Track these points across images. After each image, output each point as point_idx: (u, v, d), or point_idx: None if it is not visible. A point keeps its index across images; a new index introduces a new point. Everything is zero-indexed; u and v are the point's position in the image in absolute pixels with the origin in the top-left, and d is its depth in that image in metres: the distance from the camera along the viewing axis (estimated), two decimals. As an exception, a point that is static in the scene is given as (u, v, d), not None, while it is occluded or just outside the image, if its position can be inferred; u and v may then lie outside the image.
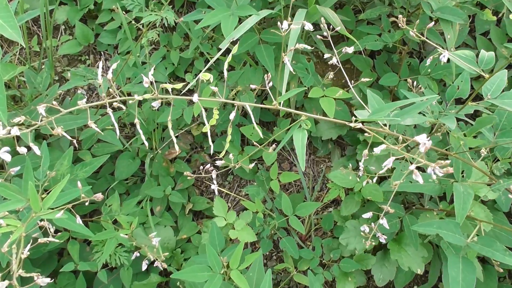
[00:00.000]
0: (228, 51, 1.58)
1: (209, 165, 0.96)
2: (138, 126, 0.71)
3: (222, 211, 1.37)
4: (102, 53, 1.92)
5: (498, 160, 1.35)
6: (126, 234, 1.22)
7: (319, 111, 1.53)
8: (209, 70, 1.73)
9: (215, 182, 0.90)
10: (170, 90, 0.74)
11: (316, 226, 1.56)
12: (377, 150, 0.62)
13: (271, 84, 0.81)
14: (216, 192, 0.93)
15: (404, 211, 1.31)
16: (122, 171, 1.58)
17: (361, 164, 0.76)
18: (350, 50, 0.99)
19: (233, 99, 1.56)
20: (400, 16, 0.88)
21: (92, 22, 1.92)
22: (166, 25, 1.65)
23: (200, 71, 1.71)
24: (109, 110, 0.66)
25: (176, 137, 1.68)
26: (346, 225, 1.39)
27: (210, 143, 0.72)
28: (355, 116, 0.82)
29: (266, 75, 0.82)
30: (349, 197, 1.42)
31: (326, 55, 0.99)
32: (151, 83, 0.71)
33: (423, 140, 0.58)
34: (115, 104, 0.75)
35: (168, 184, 1.55)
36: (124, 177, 1.58)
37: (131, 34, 1.82)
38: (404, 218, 1.29)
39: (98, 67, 0.73)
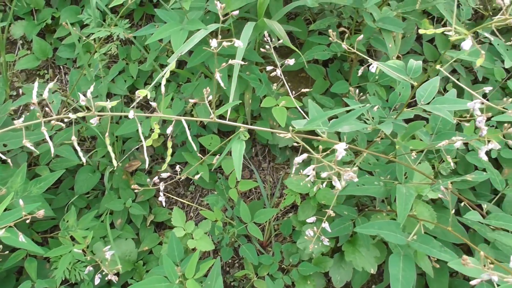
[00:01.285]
0: (186, 62, 1.60)
1: (167, 175, 0.99)
2: (108, 145, 0.73)
3: (180, 221, 1.38)
4: (61, 67, 1.92)
5: (444, 160, 1.43)
6: (82, 249, 1.22)
7: (274, 119, 1.57)
8: (168, 82, 1.75)
9: (161, 194, 0.92)
10: (108, 106, 0.76)
11: (276, 231, 1.59)
12: (298, 159, 0.65)
13: (210, 97, 0.84)
14: (164, 204, 0.96)
15: (356, 213, 1.36)
16: (81, 185, 1.58)
17: (294, 169, 0.80)
18: (291, 62, 1.03)
19: (191, 111, 1.58)
20: (336, 32, 0.92)
21: (50, 37, 1.92)
22: (124, 39, 1.66)
23: (160, 83, 1.73)
24: (44, 129, 0.67)
25: (137, 149, 1.69)
26: (303, 229, 1.43)
27: (146, 158, 0.74)
28: (292, 126, 0.86)
29: (205, 89, 0.85)
30: (305, 202, 1.46)
31: (268, 68, 1.03)
32: (89, 100, 0.73)
33: (341, 148, 0.63)
34: (72, 118, 0.76)
35: (128, 196, 1.56)
36: (84, 191, 1.58)
37: (89, 48, 1.83)
38: (356, 220, 1.34)
39: (47, 86, 0.75)
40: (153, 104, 0.79)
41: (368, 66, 0.90)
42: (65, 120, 0.75)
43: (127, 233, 1.55)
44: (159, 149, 1.69)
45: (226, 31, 1.64)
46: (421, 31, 0.72)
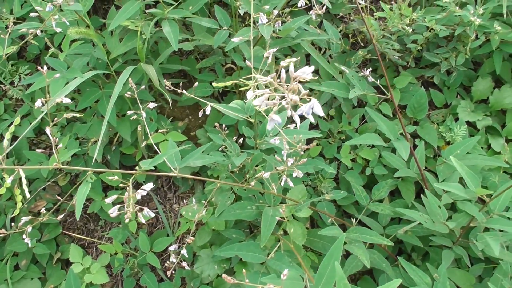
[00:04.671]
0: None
1: (27, 218, 1.05)
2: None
3: (77, 257, 1.44)
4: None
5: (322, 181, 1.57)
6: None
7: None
8: (74, 121, 1.83)
9: (25, 236, 0.99)
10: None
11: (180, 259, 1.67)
12: (108, 200, 0.75)
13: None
14: (30, 245, 1.02)
15: (245, 235, 1.47)
16: (-14, 229, 1.60)
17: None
18: (152, 105, 1.15)
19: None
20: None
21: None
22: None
23: (65, 124, 1.80)
24: None
25: (44, 189, 1.74)
26: (199, 254, 1.52)
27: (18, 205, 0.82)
28: (139, 166, 0.96)
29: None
30: (201, 228, 1.56)
31: (129, 112, 1.14)
32: None
33: (147, 187, 0.73)
34: None
35: (33, 236, 1.60)
36: (-11, 235, 1.60)
37: (-2, 93, 1.88)
38: (244, 242, 1.44)
39: None
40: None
41: (205, 108, 1.02)
42: None
43: (32, 273, 1.58)
44: (66, 187, 1.75)
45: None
46: (214, 84, 0.85)
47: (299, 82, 0.56)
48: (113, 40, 1.50)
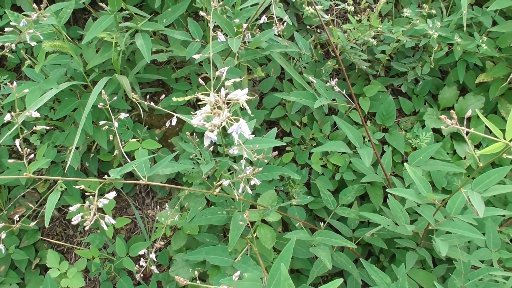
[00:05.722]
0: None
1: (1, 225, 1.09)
2: None
3: (54, 262, 1.48)
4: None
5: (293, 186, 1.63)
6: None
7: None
8: (53, 130, 1.86)
9: (1, 243, 1.03)
10: None
11: (157, 263, 1.72)
12: (72, 208, 0.80)
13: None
14: (3, 251, 1.06)
15: (218, 239, 1.52)
16: (-35, 236, 1.63)
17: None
18: (123, 116, 1.20)
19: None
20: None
21: None
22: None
23: (43, 134, 1.84)
24: None
25: (23, 196, 1.78)
26: (175, 258, 1.56)
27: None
28: (108, 175, 1.01)
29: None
30: (177, 233, 1.61)
31: (102, 122, 1.18)
32: None
33: (110, 196, 0.78)
34: None
35: (12, 243, 1.63)
36: (-32, 242, 1.63)
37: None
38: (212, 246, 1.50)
39: None
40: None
41: (171, 120, 1.08)
42: None
43: (11, 278, 1.62)
44: (45, 193, 1.78)
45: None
46: (174, 99, 0.90)
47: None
48: (90, 51, 1.54)
